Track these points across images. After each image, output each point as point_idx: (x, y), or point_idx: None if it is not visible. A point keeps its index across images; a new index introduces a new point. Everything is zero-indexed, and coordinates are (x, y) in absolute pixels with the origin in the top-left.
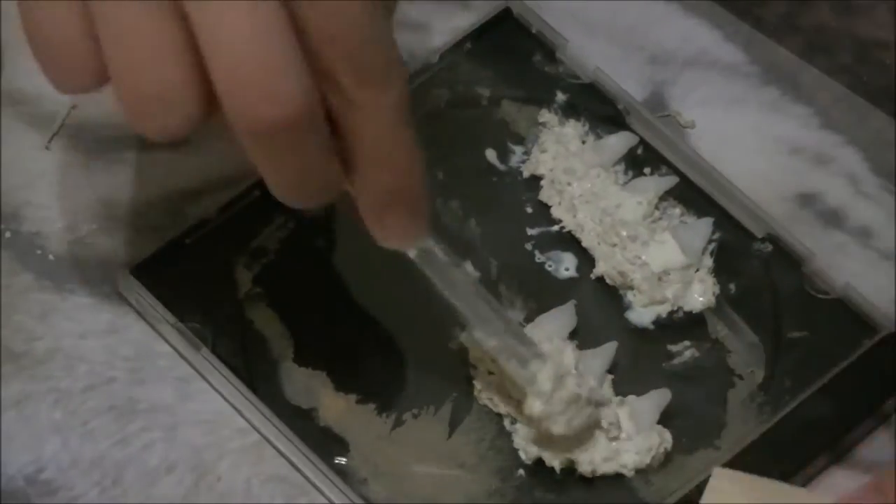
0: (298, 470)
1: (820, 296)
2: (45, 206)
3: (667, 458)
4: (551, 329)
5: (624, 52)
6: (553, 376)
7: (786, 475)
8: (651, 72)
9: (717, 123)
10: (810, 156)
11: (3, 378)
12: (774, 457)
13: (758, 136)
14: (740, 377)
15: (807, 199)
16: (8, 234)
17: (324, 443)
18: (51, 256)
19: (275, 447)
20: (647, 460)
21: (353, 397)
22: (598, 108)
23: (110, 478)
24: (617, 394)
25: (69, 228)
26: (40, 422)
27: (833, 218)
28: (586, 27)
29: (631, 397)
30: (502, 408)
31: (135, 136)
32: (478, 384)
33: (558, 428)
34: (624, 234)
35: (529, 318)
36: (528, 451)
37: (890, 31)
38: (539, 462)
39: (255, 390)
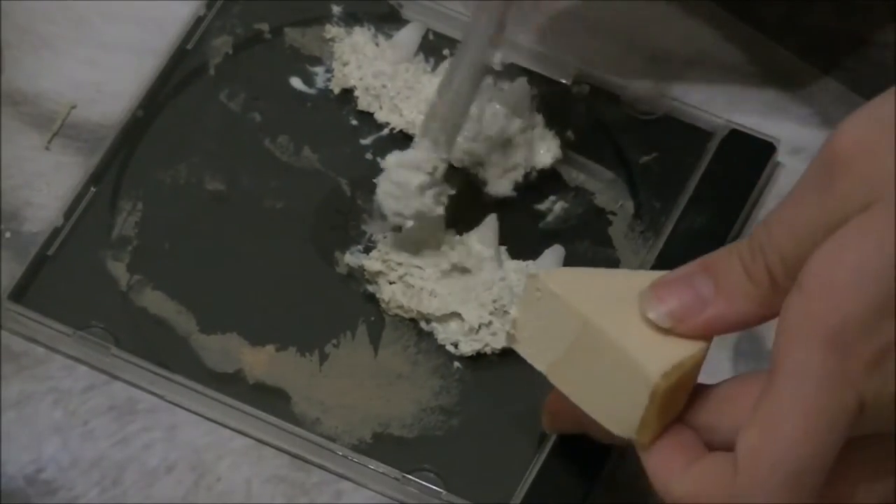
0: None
1: (647, 117)
2: (45, 206)
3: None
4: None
5: (624, 52)
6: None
7: None
8: (651, 72)
9: None
10: (810, 156)
11: (3, 378)
12: None
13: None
14: (613, 213)
15: None
16: (8, 235)
17: (262, 397)
18: None
19: (224, 425)
20: None
21: (271, 347)
22: (374, 9)
23: (110, 478)
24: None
25: None
26: (40, 422)
27: None
28: (586, 27)
29: (529, 262)
30: (414, 312)
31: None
32: (383, 298)
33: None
34: None
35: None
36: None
37: (890, 31)
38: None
39: (175, 371)
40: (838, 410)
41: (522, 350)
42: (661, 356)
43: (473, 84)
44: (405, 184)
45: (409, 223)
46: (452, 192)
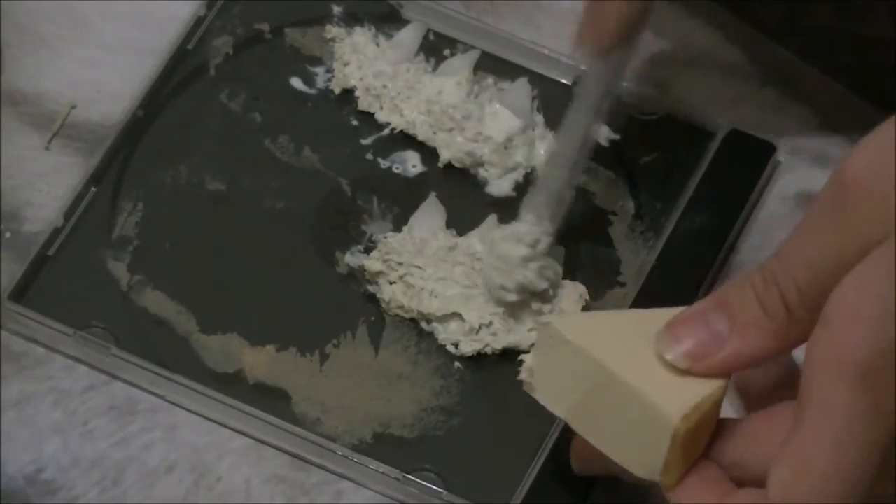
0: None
1: (648, 117)
2: (45, 206)
3: (584, 310)
4: (427, 226)
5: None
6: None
7: (688, 291)
8: (651, 72)
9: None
10: (810, 156)
11: (3, 378)
12: (675, 276)
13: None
14: (614, 213)
15: (806, 199)
16: (8, 235)
17: (263, 398)
18: None
19: (224, 425)
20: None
21: (271, 347)
22: (375, 9)
23: (110, 478)
24: None
25: None
26: (40, 422)
27: None
28: None
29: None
30: (414, 312)
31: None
32: (384, 298)
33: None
34: (459, 116)
35: (398, 225)
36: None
37: (890, 31)
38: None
39: (175, 371)
40: (870, 444)
41: (540, 396)
42: (680, 398)
43: (580, 158)
44: (508, 257)
45: (513, 297)
46: (559, 268)
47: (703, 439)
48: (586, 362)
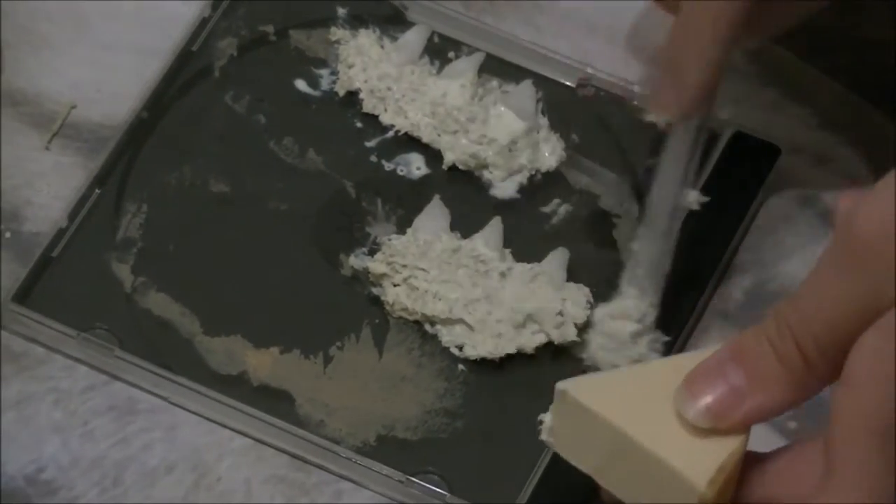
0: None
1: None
2: (45, 206)
3: (588, 311)
4: (431, 228)
5: (624, 53)
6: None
7: (693, 295)
8: (651, 72)
9: None
10: (810, 156)
11: (3, 378)
12: (677, 279)
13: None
14: (618, 216)
15: (807, 200)
16: (8, 235)
17: (266, 400)
18: None
19: (228, 427)
20: (583, 318)
21: (275, 349)
22: (379, 11)
23: (110, 478)
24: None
25: None
26: (40, 422)
27: (833, 218)
28: (586, 27)
29: (534, 264)
30: (418, 314)
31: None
32: (388, 300)
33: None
34: (463, 118)
35: (402, 227)
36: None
37: (890, 31)
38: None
39: (178, 373)
40: None
41: (563, 453)
42: (704, 461)
43: (673, 224)
44: (617, 335)
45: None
46: (667, 338)
47: (731, 488)
48: (606, 428)
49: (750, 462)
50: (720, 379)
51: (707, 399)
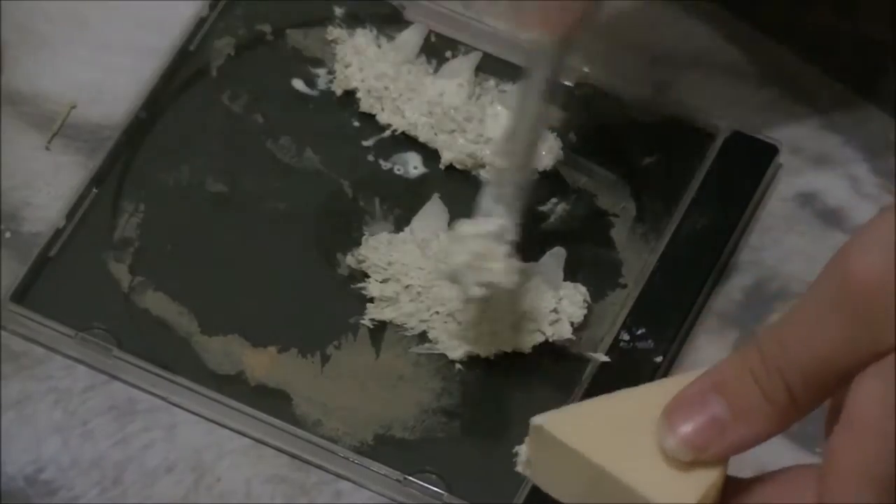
0: (257, 440)
1: (649, 119)
2: (45, 207)
3: (586, 310)
4: (431, 227)
5: (624, 52)
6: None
7: (689, 293)
8: (651, 72)
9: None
10: (810, 156)
11: (3, 378)
12: (676, 277)
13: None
14: (615, 215)
15: (807, 199)
16: (8, 234)
17: (264, 399)
18: None
19: (225, 426)
20: (581, 317)
21: (273, 349)
22: (377, 11)
23: (110, 478)
24: None
25: None
26: (40, 422)
27: (833, 218)
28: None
29: (531, 263)
30: (406, 316)
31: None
32: (372, 295)
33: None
34: (460, 118)
35: (400, 226)
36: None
37: (890, 32)
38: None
39: (176, 373)
40: None
41: (542, 485)
42: (683, 495)
43: (537, 140)
44: (482, 252)
45: (483, 292)
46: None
47: None
48: (584, 463)
49: (732, 489)
50: (700, 409)
51: (687, 429)
